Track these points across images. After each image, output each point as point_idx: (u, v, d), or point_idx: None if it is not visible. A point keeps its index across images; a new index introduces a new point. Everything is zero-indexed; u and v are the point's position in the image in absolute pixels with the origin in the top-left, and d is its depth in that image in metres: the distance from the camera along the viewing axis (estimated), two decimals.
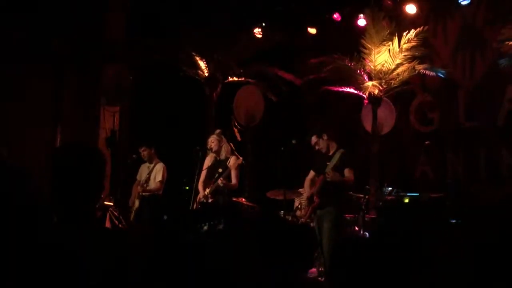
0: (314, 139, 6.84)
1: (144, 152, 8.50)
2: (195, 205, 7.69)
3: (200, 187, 7.64)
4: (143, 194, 8.40)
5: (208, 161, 7.69)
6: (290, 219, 7.96)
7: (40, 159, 9.33)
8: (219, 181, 7.20)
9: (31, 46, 9.16)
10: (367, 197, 8.35)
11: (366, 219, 8.00)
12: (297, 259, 2.93)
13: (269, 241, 2.88)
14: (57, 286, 2.10)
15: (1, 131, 9.38)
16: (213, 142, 7.47)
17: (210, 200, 7.34)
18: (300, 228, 3.19)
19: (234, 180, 7.31)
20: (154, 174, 8.43)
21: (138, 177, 8.60)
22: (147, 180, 8.41)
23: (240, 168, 7.46)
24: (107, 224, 8.15)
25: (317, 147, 6.90)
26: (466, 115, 9.76)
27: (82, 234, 2.20)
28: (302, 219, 7.48)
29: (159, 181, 8.36)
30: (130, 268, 2.25)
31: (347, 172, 6.73)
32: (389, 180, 8.77)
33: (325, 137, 6.84)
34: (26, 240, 2.19)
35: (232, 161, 7.36)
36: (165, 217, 7.58)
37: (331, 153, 6.90)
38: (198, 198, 7.65)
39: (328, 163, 6.80)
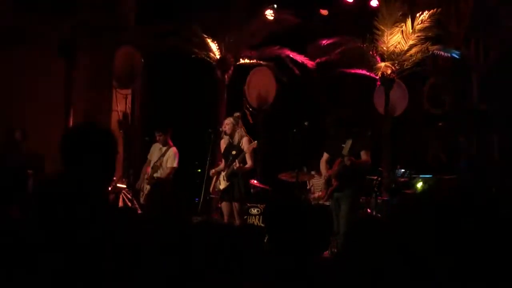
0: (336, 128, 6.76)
1: (159, 137, 8.49)
2: (211, 188, 7.69)
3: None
4: (153, 177, 8.37)
5: (222, 145, 7.68)
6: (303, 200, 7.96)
7: (53, 141, 9.39)
8: (234, 165, 7.20)
9: (43, 29, 9.17)
10: (379, 179, 8.33)
11: (378, 201, 8.01)
12: (314, 240, 2.93)
13: (286, 222, 2.88)
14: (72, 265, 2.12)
15: (15, 114, 9.44)
16: (227, 125, 7.45)
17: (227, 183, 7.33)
18: (318, 209, 3.17)
19: (249, 162, 7.30)
20: (166, 158, 8.39)
21: (149, 157, 8.57)
22: (159, 163, 8.38)
23: (254, 150, 7.45)
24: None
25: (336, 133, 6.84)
26: (480, 97, 9.69)
27: (93, 214, 2.21)
28: (320, 201, 7.47)
29: (172, 167, 8.30)
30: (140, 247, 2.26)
31: (363, 155, 6.69)
32: (401, 162, 8.75)
33: (343, 123, 6.79)
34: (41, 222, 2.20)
35: (245, 144, 7.34)
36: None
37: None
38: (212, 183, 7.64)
39: (343, 145, 6.75)
